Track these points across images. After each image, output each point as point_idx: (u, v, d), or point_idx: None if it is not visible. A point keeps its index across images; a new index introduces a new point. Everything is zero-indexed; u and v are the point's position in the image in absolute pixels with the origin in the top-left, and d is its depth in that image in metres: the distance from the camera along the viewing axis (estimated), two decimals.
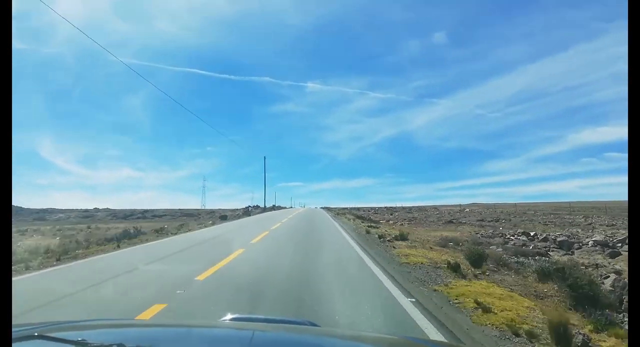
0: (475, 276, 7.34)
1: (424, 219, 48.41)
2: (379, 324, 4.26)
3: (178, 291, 5.63)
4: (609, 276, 7.99)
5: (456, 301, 5.34)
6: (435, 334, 3.99)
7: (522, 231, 17.41)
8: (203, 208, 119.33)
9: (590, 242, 14.74)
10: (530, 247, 13.48)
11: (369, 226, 19.50)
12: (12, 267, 7.93)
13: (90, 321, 2.10)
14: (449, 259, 8.59)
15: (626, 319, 5.28)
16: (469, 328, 4.26)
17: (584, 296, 5.81)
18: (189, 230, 17.25)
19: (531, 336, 3.97)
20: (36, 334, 1.21)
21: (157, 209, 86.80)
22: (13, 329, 1.32)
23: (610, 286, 6.91)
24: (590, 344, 3.82)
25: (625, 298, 6.02)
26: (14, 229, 25.02)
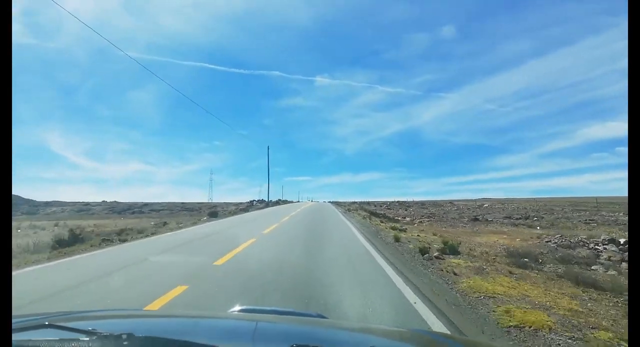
0: None
1: (443, 215, 43.61)
2: None
3: None
4: None
5: None
6: None
7: (608, 236, 12.59)
8: (209, 202, 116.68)
9: None
10: None
11: (392, 228, 14.95)
12: None
13: (100, 311, 1.99)
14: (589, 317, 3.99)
15: None
16: None
17: None
18: (152, 234, 12.85)
19: None
20: (47, 323, 1.20)
21: (157, 203, 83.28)
22: (23, 318, 1.35)
23: None
24: None
25: None
26: None
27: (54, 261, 7.89)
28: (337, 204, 68.58)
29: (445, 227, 23.70)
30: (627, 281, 6.54)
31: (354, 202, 78.54)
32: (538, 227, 26.27)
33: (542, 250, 10.36)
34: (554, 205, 67.64)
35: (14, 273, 6.44)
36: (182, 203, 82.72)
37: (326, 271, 6.58)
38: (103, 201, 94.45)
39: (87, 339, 1.05)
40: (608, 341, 3.71)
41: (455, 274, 6.63)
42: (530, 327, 4.06)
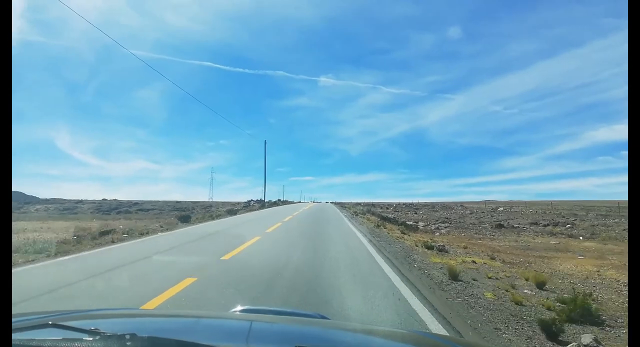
0: None
1: (459, 220, 38.93)
2: None
3: None
4: None
5: None
6: None
7: None
8: (210, 200, 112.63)
9: None
10: None
11: (425, 245, 10.24)
12: None
13: (103, 310, 1.98)
14: None
15: None
16: None
17: None
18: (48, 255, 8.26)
19: None
20: (50, 322, 1.18)
21: (151, 202, 78.89)
22: (28, 318, 1.35)
23: None
24: None
25: None
26: None
27: None
28: (341, 205, 63.58)
29: (476, 239, 19.03)
30: None
31: (359, 204, 73.77)
32: (580, 237, 21.50)
33: None
34: (565, 208, 62.64)
35: None
36: (177, 202, 78.30)
37: None
38: (103, 199, 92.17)
39: (90, 338, 1.05)
40: None
41: None
42: None
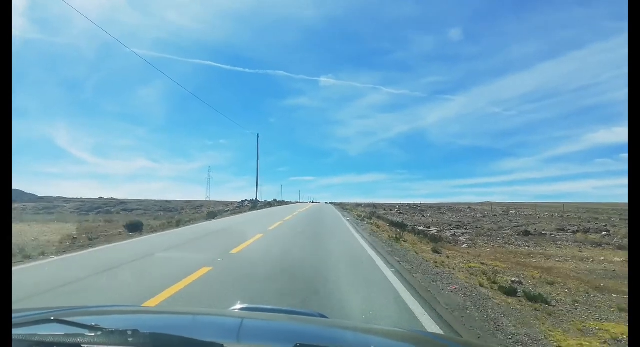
0: None
1: (473, 224, 34.73)
2: None
3: None
4: None
5: None
6: None
7: None
8: (207, 199, 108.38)
9: None
10: None
11: (529, 302, 5.87)
12: None
13: (105, 307, 2.04)
14: None
15: None
16: None
17: None
18: None
19: None
20: (52, 318, 1.21)
21: (141, 200, 74.52)
22: (31, 313, 1.36)
23: None
24: None
25: None
26: None
27: None
28: (341, 207, 58.86)
29: (520, 255, 14.70)
30: None
31: (359, 205, 69.41)
32: None
33: None
34: (571, 211, 58.61)
35: None
36: (168, 201, 73.91)
37: None
38: (100, 197, 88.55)
39: (92, 334, 1.04)
40: None
41: None
42: None
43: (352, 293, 5.29)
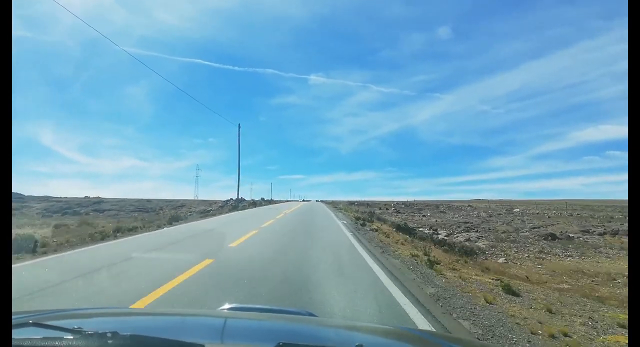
0: None
1: (480, 225, 30.69)
2: None
3: None
4: None
5: None
6: None
7: None
8: (195, 198, 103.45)
9: None
10: None
11: None
12: None
13: (86, 310, 1.90)
14: None
15: None
16: None
17: None
18: None
19: None
20: (31, 321, 1.16)
21: (116, 200, 69.45)
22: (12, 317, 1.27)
23: None
24: None
25: None
26: None
27: None
28: (333, 205, 54.33)
29: (583, 277, 10.51)
30: None
31: (352, 203, 65.22)
32: None
33: None
34: (572, 209, 55.43)
35: None
36: (149, 201, 68.84)
37: None
38: (86, 197, 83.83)
39: (72, 337, 1.01)
40: None
41: None
42: None
43: None
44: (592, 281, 9.42)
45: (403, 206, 59.91)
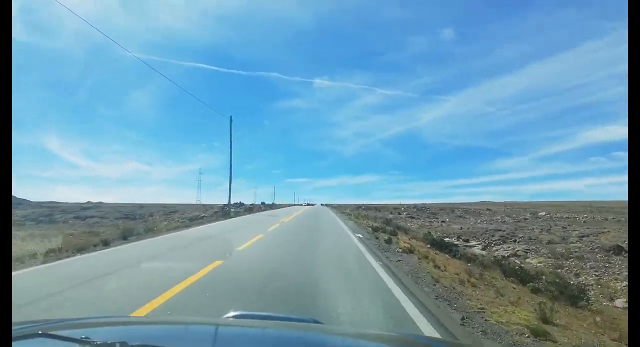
0: None
1: (514, 232, 26.00)
2: None
3: None
4: None
5: None
6: None
7: None
8: (197, 202, 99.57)
9: None
10: None
11: None
12: None
13: (93, 319, 1.82)
14: None
15: None
16: None
17: None
18: None
19: None
20: (39, 332, 1.13)
21: (109, 205, 65.64)
22: (15, 327, 1.26)
23: None
24: None
25: None
26: None
27: None
28: (339, 210, 49.02)
29: None
30: None
31: (359, 207, 60.57)
32: None
33: None
34: (582, 211, 50.68)
35: None
36: (142, 206, 64.87)
37: None
38: (88, 202, 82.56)
39: None
40: None
41: None
42: None
43: None
44: None
45: (415, 209, 55.11)
